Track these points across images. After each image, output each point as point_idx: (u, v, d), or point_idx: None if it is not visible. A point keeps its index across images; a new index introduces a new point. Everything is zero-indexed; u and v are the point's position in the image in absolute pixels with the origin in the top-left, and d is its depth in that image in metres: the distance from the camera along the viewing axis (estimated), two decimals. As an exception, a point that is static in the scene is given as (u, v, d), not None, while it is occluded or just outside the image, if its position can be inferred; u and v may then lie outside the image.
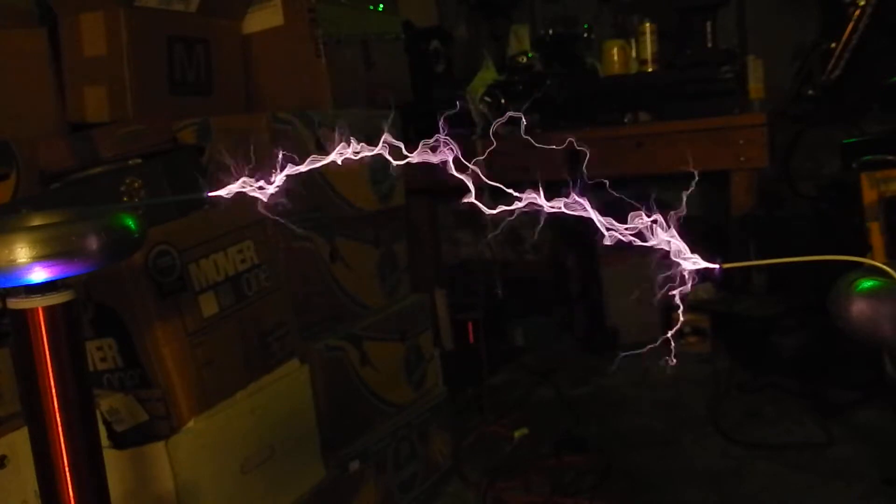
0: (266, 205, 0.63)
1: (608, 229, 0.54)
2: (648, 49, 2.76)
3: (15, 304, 0.71)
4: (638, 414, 2.24)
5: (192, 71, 1.68)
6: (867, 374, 2.10)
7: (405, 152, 0.60)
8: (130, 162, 1.41)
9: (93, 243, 0.68)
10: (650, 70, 2.77)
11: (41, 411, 0.72)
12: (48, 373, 0.72)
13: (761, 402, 2.19)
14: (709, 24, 2.64)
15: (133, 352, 1.24)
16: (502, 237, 3.30)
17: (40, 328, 0.71)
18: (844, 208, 2.06)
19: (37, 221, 0.71)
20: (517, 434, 2.07)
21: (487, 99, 2.73)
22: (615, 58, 2.83)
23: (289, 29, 1.77)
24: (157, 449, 1.20)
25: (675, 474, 1.86)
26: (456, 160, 0.58)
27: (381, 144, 0.60)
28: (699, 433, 2.05)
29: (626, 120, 2.74)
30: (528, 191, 0.56)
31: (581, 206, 0.54)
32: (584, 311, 2.81)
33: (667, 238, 0.54)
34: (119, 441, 1.17)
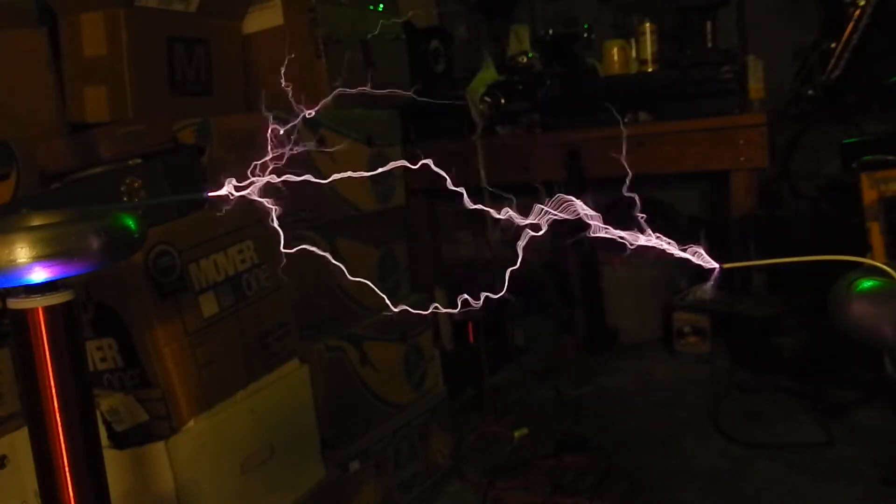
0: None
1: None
2: (648, 49, 2.76)
3: (15, 304, 0.71)
4: (638, 414, 2.24)
5: (192, 71, 1.68)
6: (867, 374, 2.10)
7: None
8: (130, 162, 1.40)
9: (93, 243, 0.68)
10: (650, 70, 2.77)
11: (41, 411, 0.72)
12: (48, 373, 0.72)
13: (761, 402, 2.19)
14: (709, 24, 2.64)
15: (133, 352, 1.24)
16: (502, 237, 3.29)
17: (40, 328, 0.71)
18: (844, 208, 2.06)
19: (37, 221, 0.71)
20: (517, 434, 2.07)
21: (487, 99, 2.73)
22: (615, 58, 2.83)
23: (289, 29, 1.77)
24: (157, 449, 1.20)
25: (675, 474, 1.86)
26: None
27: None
28: (699, 433, 2.05)
29: (626, 120, 2.74)
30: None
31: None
32: (584, 311, 2.81)
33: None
34: (119, 441, 1.17)
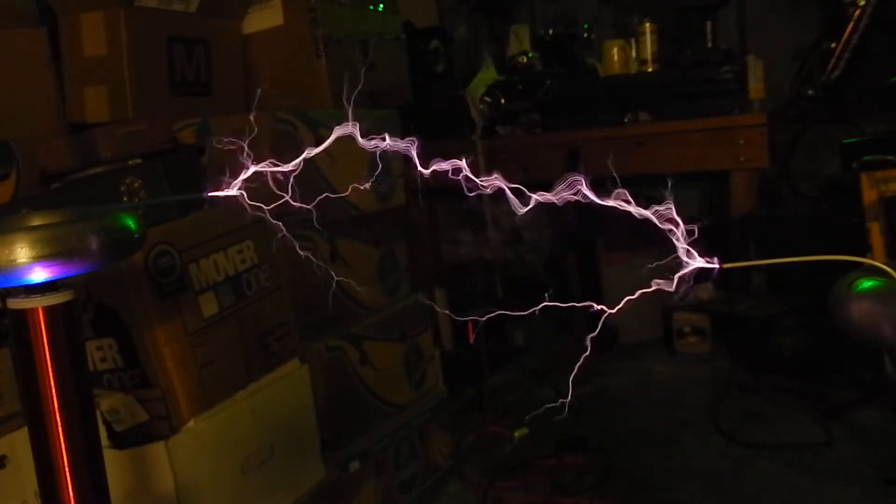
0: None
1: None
2: (648, 49, 2.76)
3: (15, 304, 0.71)
4: (638, 414, 2.24)
5: (192, 71, 1.68)
6: (867, 374, 2.10)
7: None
8: (130, 162, 1.40)
9: (93, 243, 0.68)
10: (650, 70, 2.77)
11: (41, 411, 0.72)
12: (48, 373, 0.72)
13: (761, 402, 2.19)
14: (709, 24, 2.64)
15: (133, 352, 1.24)
16: (502, 237, 3.30)
17: (40, 328, 0.71)
18: (844, 208, 2.06)
19: (37, 221, 0.71)
20: (517, 434, 2.06)
21: (487, 99, 2.73)
22: (615, 58, 2.83)
23: (289, 29, 1.77)
24: (157, 449, 1.20)
25: (675, 474, 1.86)
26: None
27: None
28: (699, 433, 2.05)
29: (626, 120, 2.74)
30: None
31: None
32: (584, 311, 2.81)
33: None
34: (119, 441, 1.17)
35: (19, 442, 1.16)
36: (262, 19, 1.79)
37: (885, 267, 0.56)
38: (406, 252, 1.92)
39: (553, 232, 3.28)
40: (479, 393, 2.31)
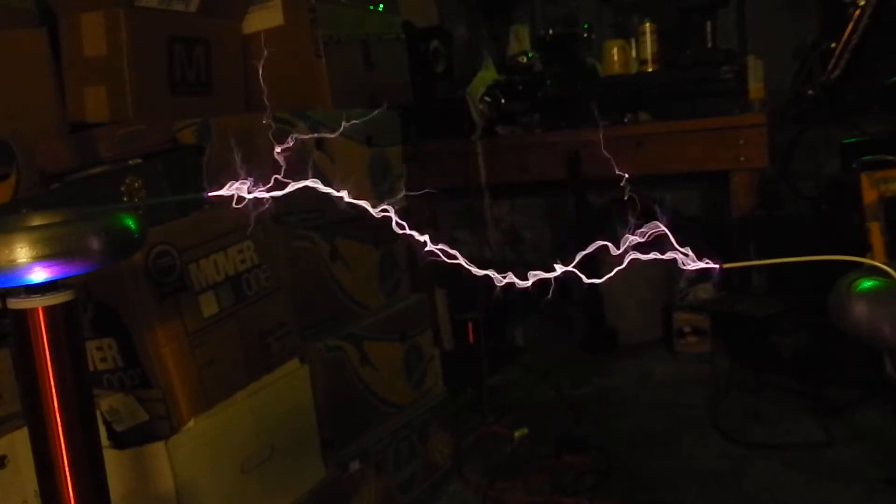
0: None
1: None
2: (648, 49, 2.76)
3: (15, 304, 0.71)
4: (638, 414, 2.24)
5: (192, 71, 1.68)
6: (867, 374, 2.09)
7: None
8: (130, 162, 1.40)
9: (93, 243, 0.68)
10: (650, 70, 2.78)
11: (41, 411, 0.73)
12: (48, 373, 0.72)
13: (761, 402, 2.19)
14: (709, 24, 2.64)
15: (133, 352, 1.24)
16: (502, 237, 3.30)
17: (40, 328, 0.71)
18: (844, 208, 2.06)
19: (37, 221, 0.71)
20: (517, 434, 2.07)
21: (487, 99, 2.73)
22: (615, 58, 2.83)
23: (289, 29, 1.77)
24: (157, 449, 1.20)
25: (675, 474, 1.86)
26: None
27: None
28: (699, 433, 2.05)
29: (626, 120, 2.74)
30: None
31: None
32: (584, 311, 2.81)
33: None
34: (119, 441, 1.17)
35: (19, 442, 1.16)
36: (262, 19, 1.79)
37: (885, 267, 0.56)
38: (406, 252, 1.92)
39: (553, 231, 3.28)
40: (479, 393, 2.31)
